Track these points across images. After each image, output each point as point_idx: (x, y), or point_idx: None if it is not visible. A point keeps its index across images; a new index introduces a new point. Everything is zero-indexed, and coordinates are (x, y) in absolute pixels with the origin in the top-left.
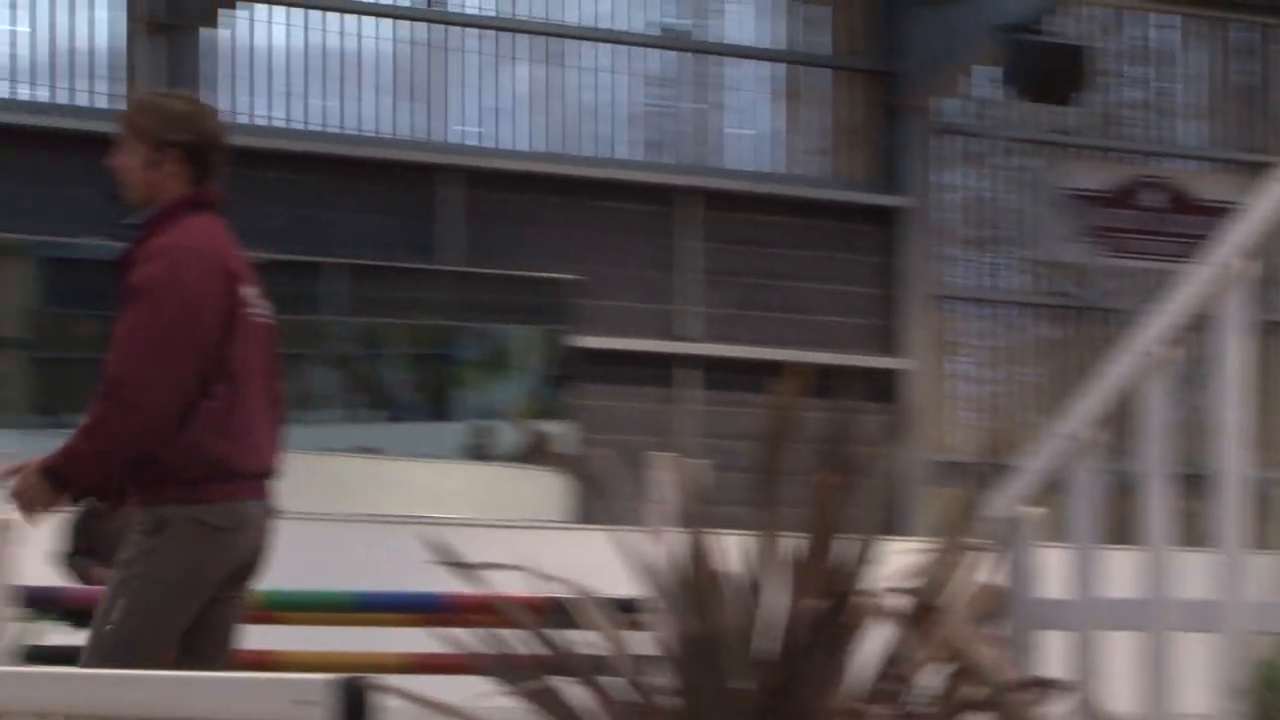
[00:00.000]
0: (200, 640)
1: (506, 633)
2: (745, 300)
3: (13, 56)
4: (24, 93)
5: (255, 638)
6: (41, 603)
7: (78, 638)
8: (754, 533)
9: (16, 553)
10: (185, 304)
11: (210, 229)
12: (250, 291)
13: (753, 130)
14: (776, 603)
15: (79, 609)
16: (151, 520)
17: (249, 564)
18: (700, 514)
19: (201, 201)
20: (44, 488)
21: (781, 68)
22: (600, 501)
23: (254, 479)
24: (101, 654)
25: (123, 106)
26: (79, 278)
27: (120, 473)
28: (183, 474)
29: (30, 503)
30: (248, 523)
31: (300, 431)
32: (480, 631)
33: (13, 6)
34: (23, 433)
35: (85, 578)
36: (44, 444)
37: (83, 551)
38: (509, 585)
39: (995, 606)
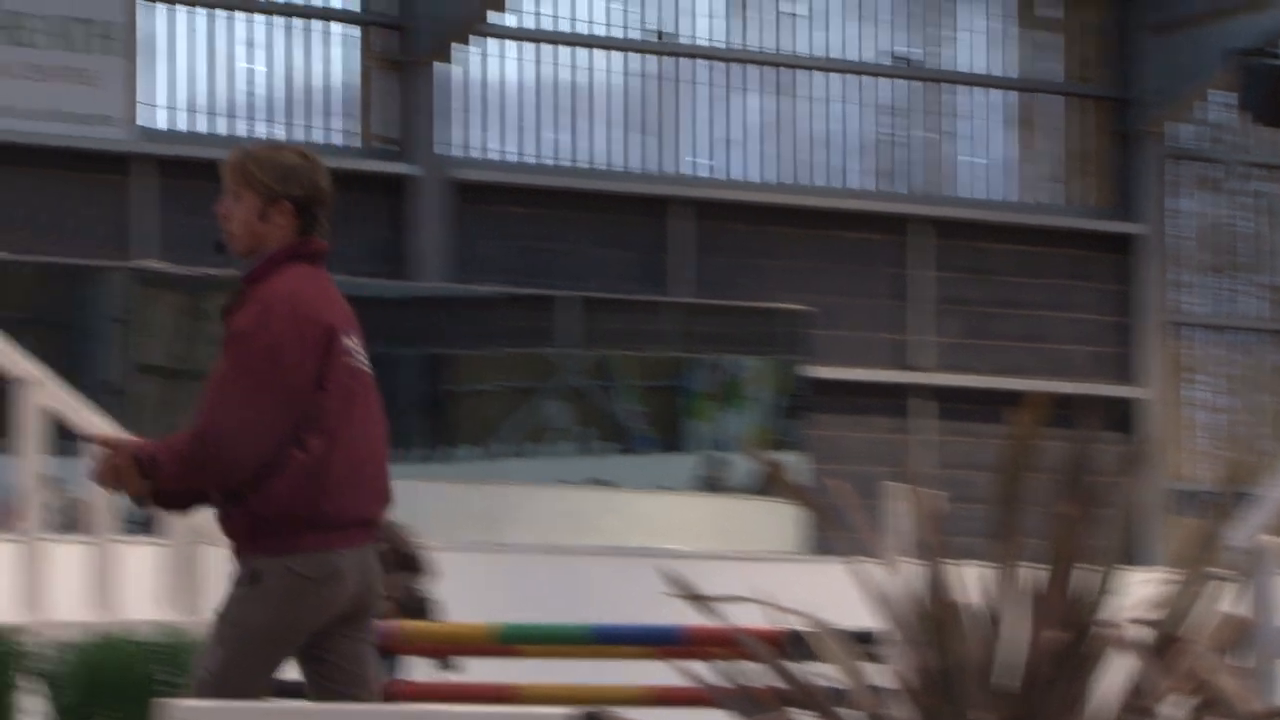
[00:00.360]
0: (332, 676)
1: (745, 665)
2: (978, 329)
3: (250, 95)
4: (260, 130)
5: (495, 671)
6: None
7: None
8: (993, 564)
9: None
10: (271, 352)
11: (309, 279)
12: (351, 341)
13: (985, 158)
14: (1016, 634)
15: None
16: (247, 571)
17: (358, 609)
18: (938, 545)
19: (304, 252)
20: (131, 471)
21: (1013, 95)
22: (835, 532)
23: (350, 528)
24: (203, 698)
25: (358, 144)
26: None
27: (194, 499)
28: (276, 525)
29: (112, 479)
30: (342, 572)
31: (534, 464)
32: (718, 664)
33: (250, 45)
34: None
35: None
36: None
37: None
38: (746, 617)
39: (1238, 637)
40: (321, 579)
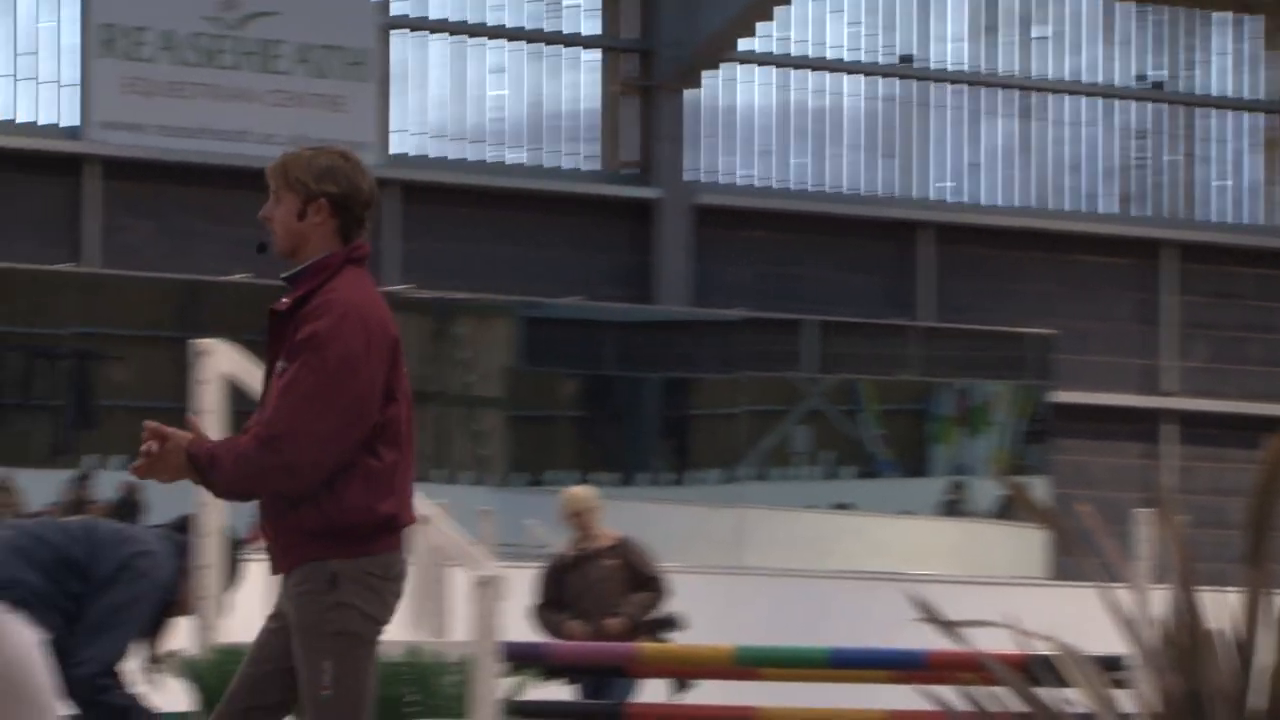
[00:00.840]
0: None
1: (990, 690)
2: (1226, 353)
3: (497, 121)
4: (508, 156)
5: (734, 694)
6: (523, 658)
7: (561, 693)
8: (1243, 589)
9: (500, 608)
10: (344, 361)
11: (369, 285)
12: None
13: (1233, 181)
14: (1267, 660)
15: (560, 664)
16: (323, 576)
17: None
18: (1187, 570)
19: (355, 257)
20: (181, 466)
21: (1261, 117)
22: (1081, 557)
23: (405, 531)
24: (333, 717)
25: (602, 168)
26: (558, 336)
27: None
28: (352, 530)
29: (160, 471)
30: (404, 573)
31: (776, 488)
32: (963, 689)
33: (497, 72)
34: (504, 490)
35: (556, 631)
36: (525, 500)
37: (553, 604)
38: (991, 642)
39: None
40: (393, 579)
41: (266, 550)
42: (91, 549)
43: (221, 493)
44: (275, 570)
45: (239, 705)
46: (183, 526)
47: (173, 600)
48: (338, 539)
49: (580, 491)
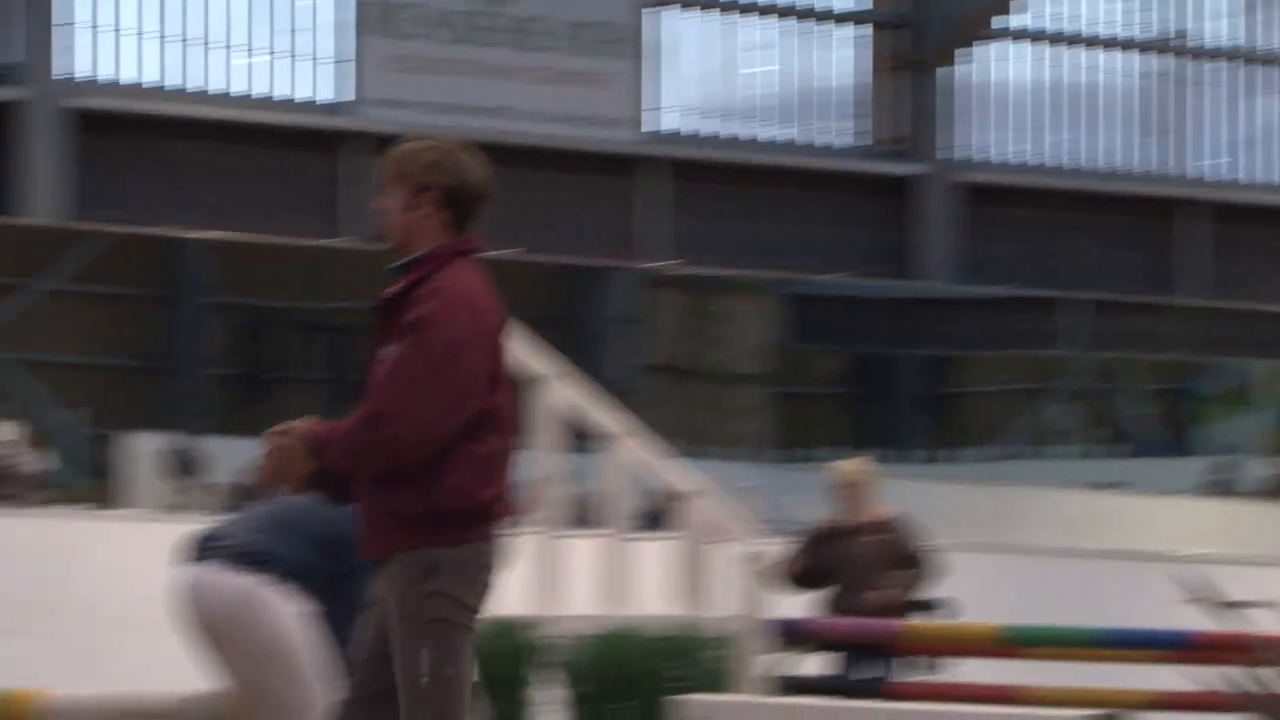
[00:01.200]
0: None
1: (1261, 672)
2: None
3: (758, 97)
4: (768, 132)
5: (997, 672)
6: (793, 634)
7: (829, 667)
8: None
9: (768, 584)
10: (450, 346)
11: (479, 276)
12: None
13: None
14: None
15: (831, 639)
16: (423, 564)
17: None
18: None
19: (465, 249)
20: (299, 453)
21: None
22: None
23: (502, 520)
24: (430, 706)
25: (863, 144)
26: (820, 313)
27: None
28: (452, 517)
29: (285, 468)
30: (499, 562)
31: (1039, 466)
32: (1233, 670)
33: (758, 48)
34: (766, 465)
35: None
36: (787, 476)
37: (808, 574)
38: (1261, 623)
39: None
40: (488, 567)
41: (364, 535)
42: (354, 529)
43: (325, 482)
44: (370, 555)
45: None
46: None
47: None
48: (437, 525)
49: (852, 464)
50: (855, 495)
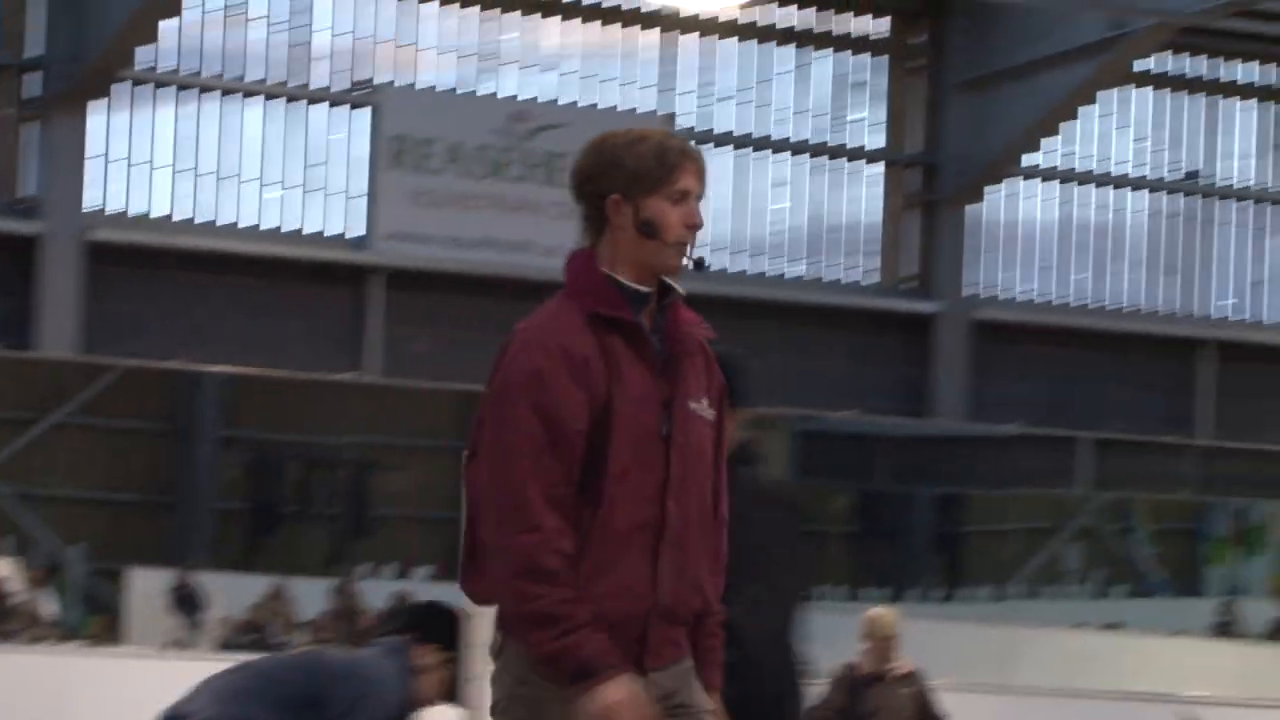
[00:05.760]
0: None
1: None
2: None
3: (777, 233)
4: (788, 269)
5: None
6: None
7: None
8: None
9: None
10: None
11: None
12: None
13: None
14: None
15: None
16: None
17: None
18: None
19: None
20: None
21: None
22: None
23: None
24: None
25: (877, 281)
26: (831, 450)
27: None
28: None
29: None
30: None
31: (1048, 606)
32: None
33: (780, 184)
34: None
35: None
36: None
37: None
38: None
39: None
40: None
41: (662, 643)
42: (322, 683)
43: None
44: (663, 661)
45: None
46: (405, 643)
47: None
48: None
49: (885, 615)
50: (885, 645)
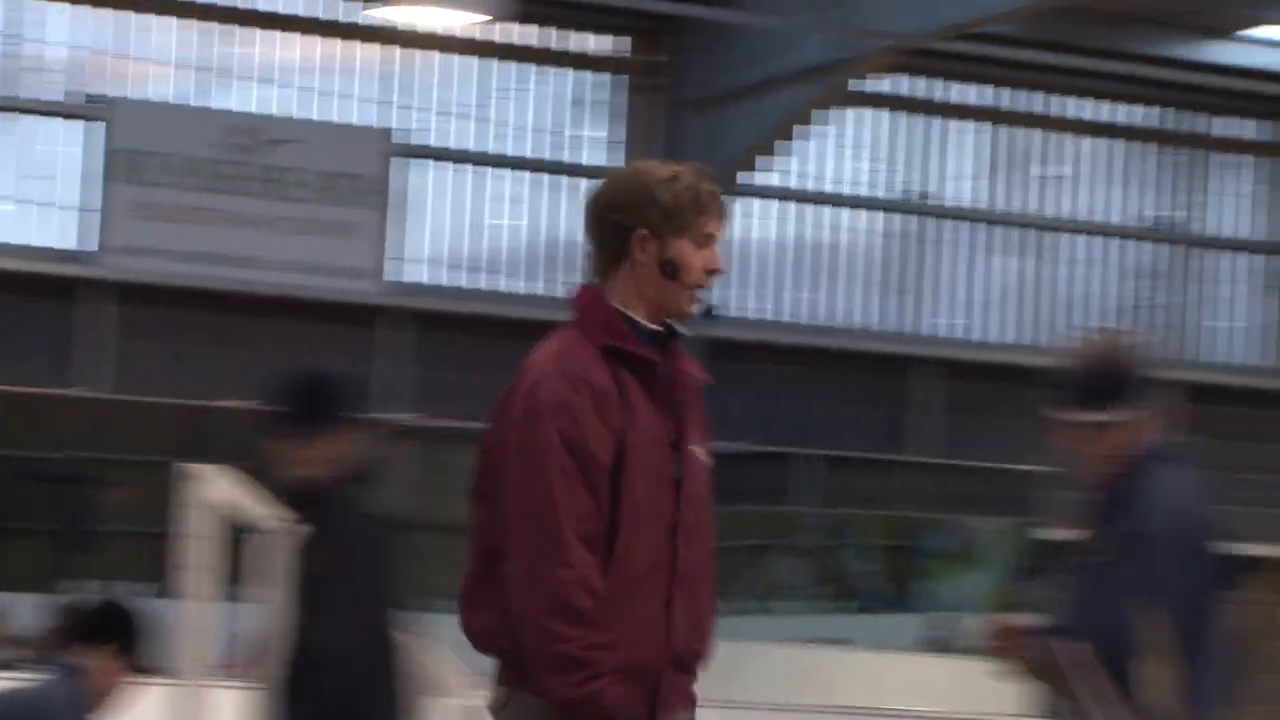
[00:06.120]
0: None
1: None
2: (1228, 494)
3: (505, 250)
4: (513, 286)
5: None
6: None
7: None
8: None
9: None
10: None
11: None
12: None
13: (1237, 322)
14: None
15: None
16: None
17: None
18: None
19: None
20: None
21: (1262, 259)
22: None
23: None
24: None
25: None
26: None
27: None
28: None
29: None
30: None
31: (766, 622)
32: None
33: (506, 200)
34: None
35: None
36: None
37: None
38: None
39: None
40: None
41: (672, 693)
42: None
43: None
44: (672, 712)
45: None
46: (78, 660)
47: None
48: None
49: None
50: None
